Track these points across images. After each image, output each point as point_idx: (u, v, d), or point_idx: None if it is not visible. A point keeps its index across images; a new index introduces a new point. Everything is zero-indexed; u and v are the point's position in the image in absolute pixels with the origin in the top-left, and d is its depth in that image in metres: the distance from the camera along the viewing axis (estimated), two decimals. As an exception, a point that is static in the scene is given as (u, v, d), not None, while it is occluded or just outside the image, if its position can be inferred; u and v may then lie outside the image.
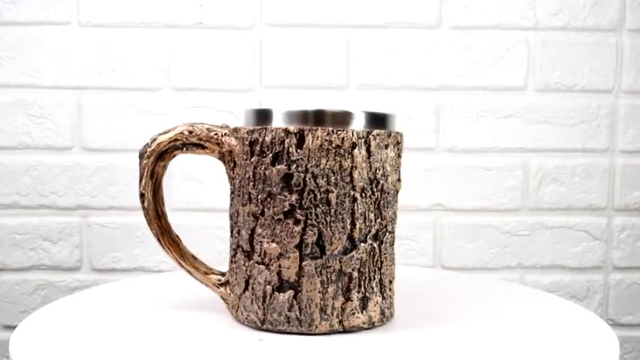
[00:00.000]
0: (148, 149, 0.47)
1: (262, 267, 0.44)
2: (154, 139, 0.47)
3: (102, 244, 0.85)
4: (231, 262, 0.47)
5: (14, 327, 0.85)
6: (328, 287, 0.43)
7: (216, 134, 0.46)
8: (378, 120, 0.45)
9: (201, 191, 0.84)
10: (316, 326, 0.44)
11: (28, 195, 0.84)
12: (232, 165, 0.46)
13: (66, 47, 0.83)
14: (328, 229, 0.43)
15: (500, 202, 0.86)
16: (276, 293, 0.44)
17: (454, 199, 0.86)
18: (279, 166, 0.43)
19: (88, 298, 0.54)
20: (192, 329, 0.45)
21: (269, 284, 0.44)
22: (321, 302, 0.44)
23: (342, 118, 0.44)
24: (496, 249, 0.87)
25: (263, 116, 0.45)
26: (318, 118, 0.43)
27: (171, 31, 0.83)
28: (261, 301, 0.44)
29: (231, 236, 0.47)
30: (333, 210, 0.43)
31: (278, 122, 0.44)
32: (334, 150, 0.43)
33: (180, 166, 0.84)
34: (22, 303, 0.85)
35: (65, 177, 0.84)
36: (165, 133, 0.47)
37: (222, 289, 0.48)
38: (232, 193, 0.47)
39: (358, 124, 0.44)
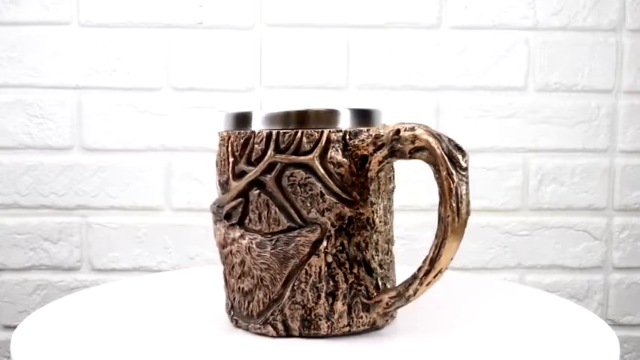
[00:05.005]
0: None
1: None
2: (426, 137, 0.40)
3: (102, 244, 0.85)
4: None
5: (14, 327, 0.85)
6: None
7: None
8: (364, 117, 0.44)
9: (201, 191, 0.84)
10: None
11: (28, 195, 0.84)
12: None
13: (66, 47, 0.83)
14: None
15: (500, 202, 0.86)
16: None
17: (454, 199, 0.85)
18: None
19: (88, 298, 0.54)
20: (192, 329, 0.45)
21: None
22: None
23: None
24: (496, 249, 0.87)
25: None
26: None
27: (171, 31, 0.83)
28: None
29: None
30: None
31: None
32: None
33: (181, 166, 0.84)
34: (22, 303, 0.85)
35: (65, 177, 0.84)
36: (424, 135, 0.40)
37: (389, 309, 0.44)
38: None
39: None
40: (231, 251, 0.45)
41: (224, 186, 0.45)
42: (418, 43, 0.84)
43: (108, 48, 0.83)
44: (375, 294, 0.43)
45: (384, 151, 0.41)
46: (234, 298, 0.45)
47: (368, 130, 0.42)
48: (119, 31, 0.83)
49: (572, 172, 0.86)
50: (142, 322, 0.47)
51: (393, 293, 0.42)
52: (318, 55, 0.84)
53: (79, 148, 0.84)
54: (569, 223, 0.87)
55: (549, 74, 0.85)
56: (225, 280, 0.47)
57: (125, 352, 0.41)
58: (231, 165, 0.44)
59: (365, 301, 0.43)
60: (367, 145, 0.42)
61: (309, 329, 0.43)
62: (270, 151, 0.42)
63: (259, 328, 0.43)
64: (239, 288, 0.44)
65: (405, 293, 0.42)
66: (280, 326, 0.43)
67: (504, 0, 0.84)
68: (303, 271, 0.42)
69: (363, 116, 0.44)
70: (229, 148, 0.44)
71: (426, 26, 0.84)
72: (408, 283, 0.42)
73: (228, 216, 0.44)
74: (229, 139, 0.44)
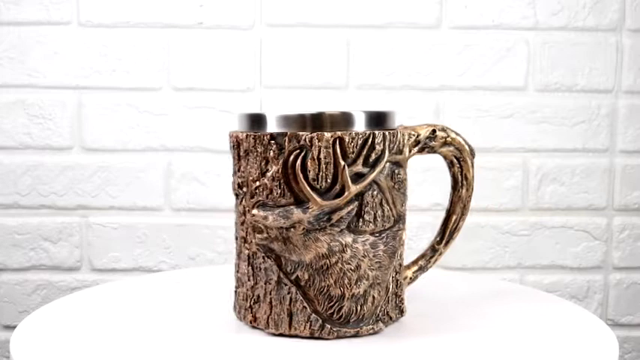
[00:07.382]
0: None
1: None
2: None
3: (102, 244, 0.85)
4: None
5: (14, 327, 0.85)
6: None
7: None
8: (380, 119, 0.45)
9: (201, 191, 0.84)
10: None
11: (28, 195, 0.84)
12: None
13: (66, 47, 0.83)
14: None
15: (500, 202, 0.86)
16: None
17: (454, 199, 0.85)
18: None
19: (88, 298, 0.54)
20: (192, 329, 0.45)
21: None
22: None
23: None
24: (496, 249, 0.87)
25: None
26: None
27: (171, 31, 0.83)
28: None
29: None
30: None
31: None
32: None
33: (181, 166, 0.84)
34: (22, 303, 0.85)
35: (65, 177, 0.84)
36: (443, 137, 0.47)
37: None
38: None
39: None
40: (341, 259, 0.43)
41: (325, 193, 0.42)
42: (418, 43, 0.84)
43: (108, 48, 0.83)
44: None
45: (418, 148, 0.47)
46: (338, 308, 0.43)
47: (408, 130, 0.47)
48: (119, 31, 0.83)
49: (572, 172, 0.86)
50: (142, 323, 0.47)
51: (415, 267, 0.48)
52: (318, 55, 0.84)
53: (79, 148, 0.84)
54: (569, 223, 0.87)
55: (549, 74, 0.85)
56: (313, 293, 0.43)
57: (125, 352, 0.41)
58: (344, 168, 0.42)
59: (401, 279, 0.47)
60: (411, 143, 0.47)
61: (395, 314, 0.46)
62: (387, 151, 0.43)
63: (372, 327, 0.44)
64: (352, 295, 0.43)
65: (427, 266, 0.49)
66: (386, 318, 0.45)
67: (504, 0, 0.84)
68: (398, 261, 0.46)
69: (378, 118, 0.45)
70: (338, 150, 0.42)
71: (426, 26, 0.84)
72: (429, 257, 0.49)
73: (337, 223, 0.42)
74: (338, 140, 0.42)
